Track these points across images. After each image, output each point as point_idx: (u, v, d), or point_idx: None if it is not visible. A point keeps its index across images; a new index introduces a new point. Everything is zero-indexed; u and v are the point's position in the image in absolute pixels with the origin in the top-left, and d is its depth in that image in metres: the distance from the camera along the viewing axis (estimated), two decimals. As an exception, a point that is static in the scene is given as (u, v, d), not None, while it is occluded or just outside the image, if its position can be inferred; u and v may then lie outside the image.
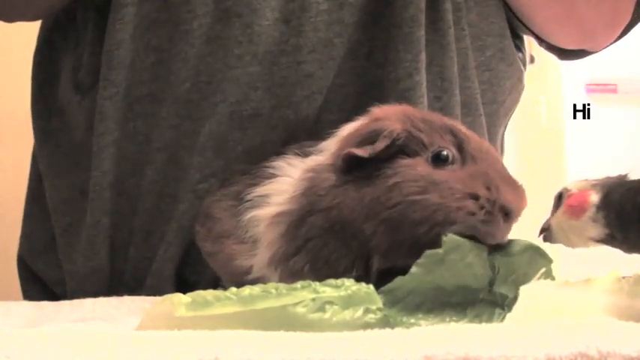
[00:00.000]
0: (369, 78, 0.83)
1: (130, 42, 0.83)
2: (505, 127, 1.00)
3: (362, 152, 0.61)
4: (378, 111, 0.66)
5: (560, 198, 0.67)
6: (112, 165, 0.84)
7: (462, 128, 0.64)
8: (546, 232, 0.68)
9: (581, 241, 0.66)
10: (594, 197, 0.64)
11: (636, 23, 0.92)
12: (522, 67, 0.97)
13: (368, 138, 0.63)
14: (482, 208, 0.60)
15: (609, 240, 0.64)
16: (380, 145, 0.61)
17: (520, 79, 0.97)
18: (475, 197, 0.60)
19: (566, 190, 0.67)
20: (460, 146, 0.62)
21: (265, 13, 0.81)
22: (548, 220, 0.68)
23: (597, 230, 0.63)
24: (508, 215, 0.61)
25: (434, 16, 0.84)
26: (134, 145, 0.84)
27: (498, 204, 0.60)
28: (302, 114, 0.80)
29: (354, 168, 0.62)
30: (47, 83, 0.93)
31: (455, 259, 0.57)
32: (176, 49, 0.82)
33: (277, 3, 0.82)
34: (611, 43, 0.95)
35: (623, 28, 0.92)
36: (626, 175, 0.67)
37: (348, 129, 0.66)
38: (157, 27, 0.83)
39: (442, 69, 0.85)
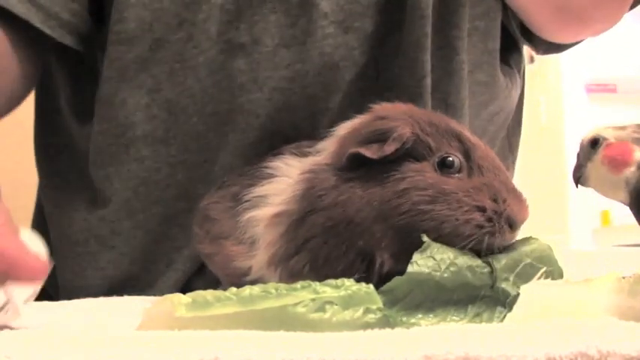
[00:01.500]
0: (376, 100, 0.82)
1: (118, 81, 0.82)
2: (506, 130, 0.99)
3: (370, 153, 0.61)
4: (380, 109, 0.66)
5: (594, 144, 0.63)
6: (97, 199, 0.84)
7: (469, 135, 0.64)
8: (581, 178, 0.64)
9: (616, 196, 0.62)
10: (639, 153, 0.60)
11: (635, 6, 0.92)
12: (518, 78, 0.97)
13: (373, 137, 0.62)
14: (490, 220, 0.60)
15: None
16: (389, 148, 0.61)
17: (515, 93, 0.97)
18: (482, 209, 0.60)
19: (602, 137, 0.62)
20: (467, 154, 0.62)
21: (265, 40, 0.81)
22: (581, 166, 0.64)
23: (624, 193, 0.60)
24: (512, 226, 0.61)
25: (440, 42, 0.84)
26: (129, 185, 0.84)
27: (504, 216, 0.60)
28: (304, 134, 0.80)
29: (356, 166, 0.62)
30: (49, 105, 0.93)
31: (445, 255, 0.57)
32: (182, 87, 0.82)
33: (278, 30, 0.81)
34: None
35: (622, 16, 0.92)
36: None
37: (345, 127, 0.66)
38: (151, 66, 0.82)
39: (446, 95, 0.85)
